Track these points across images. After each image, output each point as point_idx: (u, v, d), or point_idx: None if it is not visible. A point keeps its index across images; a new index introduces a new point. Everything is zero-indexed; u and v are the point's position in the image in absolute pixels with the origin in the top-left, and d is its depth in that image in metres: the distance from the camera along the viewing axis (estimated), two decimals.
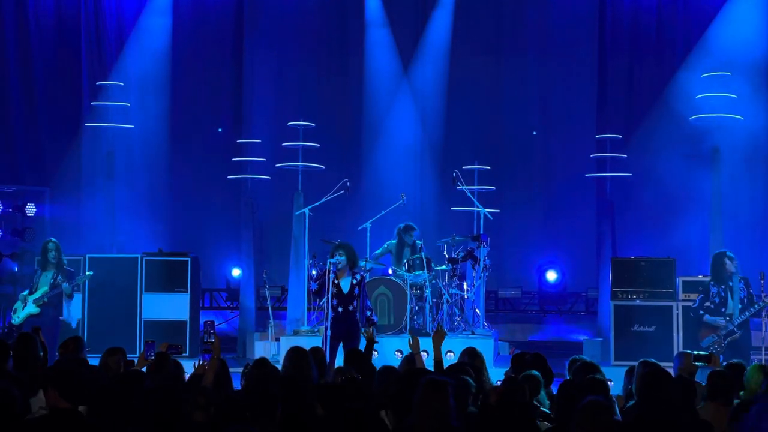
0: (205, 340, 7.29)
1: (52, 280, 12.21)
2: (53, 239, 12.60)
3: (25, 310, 12.28)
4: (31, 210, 15.41)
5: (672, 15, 16.06)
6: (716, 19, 15.42)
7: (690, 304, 12.32)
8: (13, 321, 12.47)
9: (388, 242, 14.24)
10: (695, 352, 7.93)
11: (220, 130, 17.23)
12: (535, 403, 6.78)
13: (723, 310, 11.49)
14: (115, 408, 5.53)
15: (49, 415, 5.12)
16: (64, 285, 12.14)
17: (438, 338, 7.84)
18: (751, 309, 11.39)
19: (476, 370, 7.15)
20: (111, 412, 5.54)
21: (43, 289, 12.23)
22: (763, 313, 11.90)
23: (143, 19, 16.54)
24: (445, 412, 5.32)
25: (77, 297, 13.43)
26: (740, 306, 11.44)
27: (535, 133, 17.20)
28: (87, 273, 12.78)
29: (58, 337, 11.72)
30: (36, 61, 16.67)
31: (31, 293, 12.32)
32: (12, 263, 15.43)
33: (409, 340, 7.96)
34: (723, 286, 11.54)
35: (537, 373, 7.00)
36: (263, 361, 7.25)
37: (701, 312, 11.58)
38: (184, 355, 11.19)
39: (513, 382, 6.47)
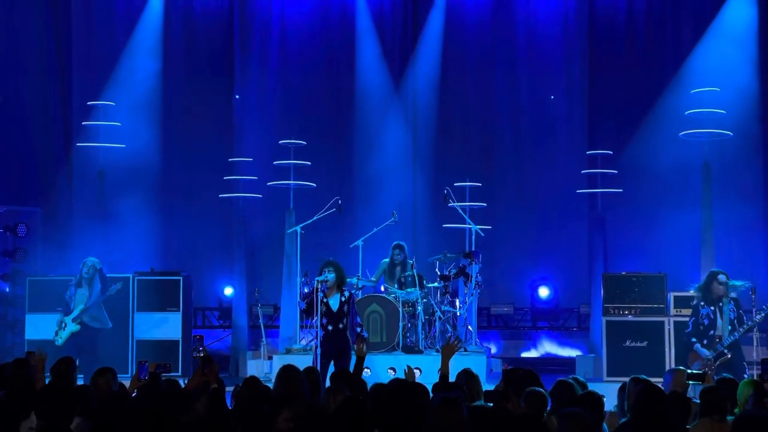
0: (194, 356, 7.26)
1: (88, 298, 12.59)
2: (92, 257, 12.98)
3: (66, 329, 12.60)
4: (22, 230, 15.37)
5: (662, 32, 16.15)
6: (705, 35, 15.51)
7: (681, 319, 12.33)
8: (56, 342, 12.57)
9: (382, 261, 14.24)
10: (689, 371, 7.90)
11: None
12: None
13: (711, 332, 11.22)
14: (104, 427, 5.51)
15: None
16: (95, 293, 12.60)
17: (447, 351, 7.85)
18: (740, 329, 11.21)
19: (472, 391, 7.15)
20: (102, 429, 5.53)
21: (80, 307, 12.60)
22: (755, 329, 11.86)
23: (134, 39, 16.57)
24: (459, 428, 5.35)
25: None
26: (729, 327, 11.22)
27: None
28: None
29: (98, 353, 12.42)
30: (26, 81, 16.67)
31: (66, 314, 12.65)
32: (3, 284, 15.39)
33: (404, 370, 7.97)
34: (713, 307, 11.29)
35: (541, 390, 6.94)
36: (254, 380, 7.23)
37: (693, 339, 11.36)
38: (175, 374, 11.19)
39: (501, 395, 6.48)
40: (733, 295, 11.40)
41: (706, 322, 11.23)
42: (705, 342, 11.22)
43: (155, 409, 5.50)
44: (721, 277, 11.30)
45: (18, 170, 16.60)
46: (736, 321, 11.18)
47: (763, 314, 11.12)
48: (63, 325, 12.65)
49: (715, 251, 14.25)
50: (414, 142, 17.01)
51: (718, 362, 11.08)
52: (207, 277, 16.87)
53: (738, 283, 11.53)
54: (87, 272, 12.72)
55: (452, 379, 7.59)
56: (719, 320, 11.19)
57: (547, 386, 7.36)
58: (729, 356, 11.11)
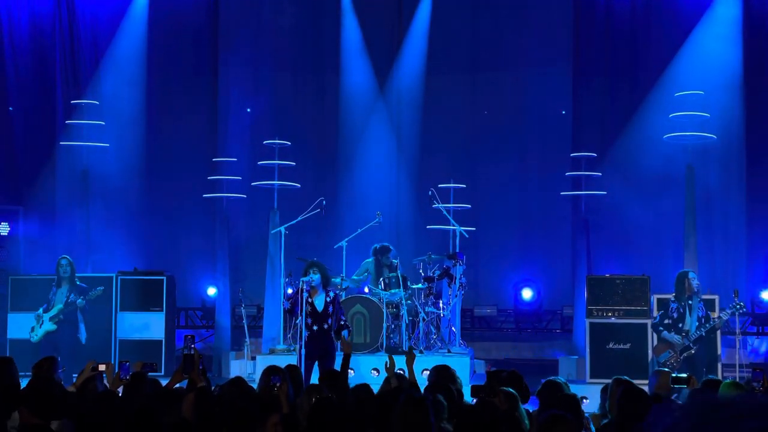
0: (184, 353, 7.23)
1: (66, 298, 12.58)
2: (66, 256, 12.99)
3: (42, 327, 12.63)
4: (4, 229, 15.30)
5: (646, 35, 16.18)
6: (689, 39, 15.55)
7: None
8: (31, 339, 12.68)
9: (365, 261, 14.22)
10: (674, 374, 7.95)
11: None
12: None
13: (680, 325, 11.65)
14: (90, 427, 5.49)
15: (19, 431, 5.08)
16: (78, 301, 12.55)
17: (409, 359, 7.92)
18: (707, 326, 11.53)
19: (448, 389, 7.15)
20: (86, 430, 5.51)
21: (58, 306, 12.62)
22: (738, 332, 12.05)
23: (118, 38, 16.51)
24: (425, 428, 5.32)
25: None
26: (696, 323, 11.58)
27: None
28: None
29: (76, 354, 12.31)
30: (10, 80, 16.59)
31: (46, 311, 12.67)
32: None
33: (386, 363, 7.99)
34: (683, 303, 11.71)
35: (512, 390, 6.98)
36: (239, 380, 7.22)
37: (660, 328, 11.74)
38: (159, 374, 11.16)
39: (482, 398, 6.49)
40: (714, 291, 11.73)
41: (675, 315, 11.63)
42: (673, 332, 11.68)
43: (144, 409, 5.48)
44: (692, 275, 11.82)
45: (1, 169, 16.52)
46: (703, 319, 11.54)
47: (728, 314, 11.46)
48: (40, 322, 12.61)
49: (698, 253, 14.31)
50: (398, 143, 17.03)
51: (683, 355, 11.42)
52: (190, 277, 16.83)
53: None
54: (65, 272, 12.74)
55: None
56: (688, 316, 11.54)
57: (530, 388, 7.39)
58: (693, 351, 11.42)
